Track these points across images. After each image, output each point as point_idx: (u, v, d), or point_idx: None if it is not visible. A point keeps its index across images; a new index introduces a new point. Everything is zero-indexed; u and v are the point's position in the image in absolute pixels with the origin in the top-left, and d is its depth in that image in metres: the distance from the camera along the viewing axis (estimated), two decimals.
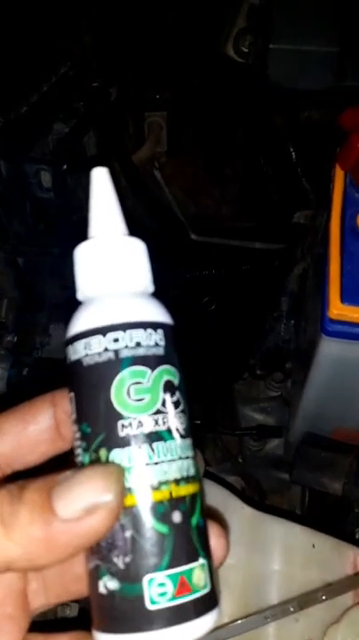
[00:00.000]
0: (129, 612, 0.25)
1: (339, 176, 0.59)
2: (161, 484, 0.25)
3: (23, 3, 0.78)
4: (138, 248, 0.30)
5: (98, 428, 0.26)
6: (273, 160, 0.85)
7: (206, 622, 0.26)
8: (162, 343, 0.27)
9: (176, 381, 0.27)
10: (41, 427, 0.30)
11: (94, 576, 0.26)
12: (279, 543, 0.56)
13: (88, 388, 0.27)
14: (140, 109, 0.90)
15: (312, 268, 0.73)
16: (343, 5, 0.72)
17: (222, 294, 0.88)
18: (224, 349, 0.86)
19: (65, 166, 0.71)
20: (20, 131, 0.71)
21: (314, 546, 0.56)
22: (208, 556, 0.27)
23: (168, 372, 0.27)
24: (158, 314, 0.28)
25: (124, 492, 0.25)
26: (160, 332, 0.27)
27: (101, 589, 0.25)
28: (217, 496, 0.58)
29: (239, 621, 0.52)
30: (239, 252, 0.91)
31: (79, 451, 0.27)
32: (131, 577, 0.25)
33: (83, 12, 0.84)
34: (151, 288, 0.30)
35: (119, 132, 0.88)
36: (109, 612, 0.25)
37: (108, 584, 0.25)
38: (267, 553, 0.56)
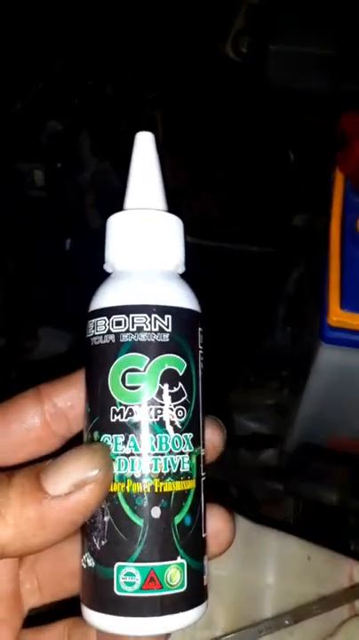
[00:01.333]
0: (100, 591, 0.25)
1: (339, 181, 0.58)
2: (143, 476, 0.25)
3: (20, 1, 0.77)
4: (170, 225, 0.28)
5: (95, 410, 0.26)
6: (270, 162, 0.84)
7: (173, 621, 0.25)
8: (168, 330, 0.26)
9: (181, 372, 0.26)
10: (26, 426, 0.29)
11: (82, 550, 0.27)
12: (274, 555, 0.55)
13: (92, 369, 0.27)
14: (135, 108, 0.89)
15: (309, 273, 0.72)
16: (343, 7, 0.71)
17: (217, 298, 0.86)
18: (218, 356, 0.85)
19: (59, 165, 0.69)
20: (14, 129, 0.70)
21: (309, 558, 0.55)
22: (193, 556, 0.26)
23: (171, 361, 0.26)
24: (174, 298, 0.27)
25: (112, 467, 0.25)
26: (168, 317, 0.26)
27: (83, 564, 0.26)
28: None
29: (233, 634, 0.51)
30: (234, 255, 0.90)
31: (83, 429, 0.27)
32: (104, 560, 0.25)
33: (83, 11, 0.83)
34: (181, 269, 0.29)
35: (112, 130, 0.87)
36: (87, 587, 0.26)
37: (88, 561, 0.26)
38: (262, 565, 0.55)
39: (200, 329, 0.27)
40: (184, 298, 0.27)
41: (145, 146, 0.29)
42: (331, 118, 0.61)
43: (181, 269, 0.29)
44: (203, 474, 0.27)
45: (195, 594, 0.26)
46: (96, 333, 0.26)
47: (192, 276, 0.87)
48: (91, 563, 0.26)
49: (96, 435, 0.26)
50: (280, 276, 0.79)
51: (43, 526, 0.23)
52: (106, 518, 0.25)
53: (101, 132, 0.80)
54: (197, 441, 0.26)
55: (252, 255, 0.87)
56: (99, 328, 0.26)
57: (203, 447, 0.27)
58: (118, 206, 0.29)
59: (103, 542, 0.25)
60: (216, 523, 0.28)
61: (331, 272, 0.53)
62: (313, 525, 0.69)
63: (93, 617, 0.25)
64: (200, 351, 0.27)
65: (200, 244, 0.90)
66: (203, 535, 0.27)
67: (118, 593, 0.25)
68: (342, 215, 0.56)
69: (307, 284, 0.72)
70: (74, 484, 0.24)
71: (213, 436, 0.29)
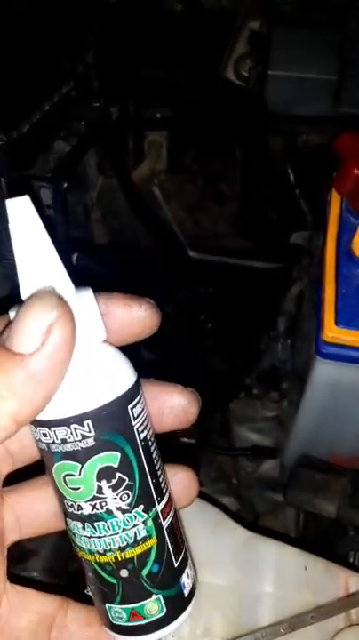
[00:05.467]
0: (102, 616, 0.31)
1: (335, 200, 0.60)
2: (105, 551, 0.28)
3: (26, 21, 0.79)
4: (81, 303, 0.26)
5: (57, 498, 0.29)
6: (271, 181, 0.86)
7: (163, 632, 0.30)
8: (91, 434, 0.26)
9: (117, 463, 0.27)
10: None
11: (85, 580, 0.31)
12: (271, 565, 0.56)
13: (45, 466, 0.29)
14: (141, 128, 0.91)
15: (308, 289, 0.73)
16: (340, 35, 0.73)
17: (219, 312, 0.88)
18: (220, 368, 0.86)
19: (65, 184, 0.71)
20: (22, 149, 0.72)
21: (306, 568, 0.56)
22: (167, 588, 0.30)
23: (102, 460, 0.27)
24: (90, 400, 0.26)
25: (64, 301, 0.25)
26: (87, 423, 0.26)
27: (88, 592, 0.31)
28: (210, 517, 0.58)
29: None
30: (237, 270, 0.91)
31: None
32: (97, 599, 0.30)
33: (87, 29, 0.85)
34: (103, 335, 0.27)
35: (119, 149, 0.89)
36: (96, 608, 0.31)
37: (90, 592, 0.31)
38: (260, 574, 0.56)
39: (131, 403, 0.27)
40: (102, 392, 0.26)
41: (22, 216, 0.24)
42: (329, 137, 0.63)
43: (103, 336, 0.27)
44: (165, 523, 0.29)
45: (176, 609, 0.30)
46: (35, 438, 0.28)
47: (196, 290, 0.88)
48: (91, 594, 0.31)
49: (66, 519, 0.29)
50: (281, 292, 0.81)
51: (39, 381, 0.24)
52: (89, 574, 0.30)
53: (108, 150, 0.82)
54: (151, 504, 0.29)
55: (255, 271, 0.89)
56: (35, 434, 0.27)
57: (162, 500, 0.29)
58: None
59: (93, 587, 0.30)
60: (183, 480, 0.32)
61: (326, 289, 0.55)
62: (312, 536, 0.70)
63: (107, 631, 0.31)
64: (136, 424, 0.27)
65: (204, 259, 0.92)
66: (176, 564, 0.30)
67: (113, 622, 0.30)
68: (338, 234, 0.58)
69: (305, 300, 0.73)
70: (42, 334, 0.24)
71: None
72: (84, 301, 0.26)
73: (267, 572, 0.56)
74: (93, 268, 0.79)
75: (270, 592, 0.55)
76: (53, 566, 0.55)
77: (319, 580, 0.55)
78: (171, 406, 0.31)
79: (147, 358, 0.86)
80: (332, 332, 0.53)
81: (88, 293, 0.27)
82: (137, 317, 0.29)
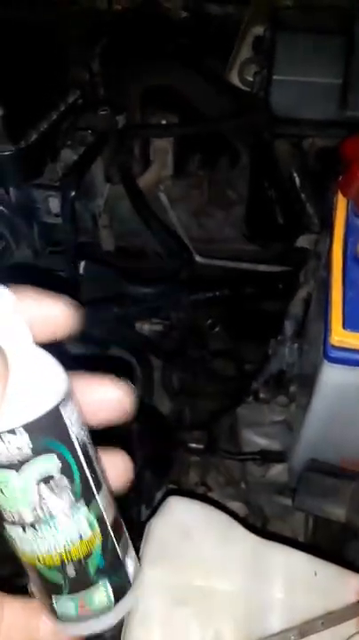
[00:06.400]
0: (48, 613, 0.31)
1: (341, 203, 0.60)
2: (50, 551, 0.28)
3: (34, 31, 0.80)
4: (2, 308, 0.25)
5: None
6: (277, 184, 0.86)
7: (108, 621, 0.31)
8: (27, 445, 0.26)
9: (56, 469, 0.27)
10: None
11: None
12: (281, 571, 0.56)
13: None
14: (146, 134, 0.92)
15: (315, 292, 0.73)
16: (345, 39, 0.74)
17: (226, 317, 0.88)
18: (227, 372, 0.86)
19: (73, 193, 0.72)
20: (30, 158, 0.72)
21: (316, 574, 0.56)
22: (112, 575, 0.30)
23: (41, 468, 0.26)
24: (25, 414, 0.26)
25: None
26: (22, 435, 0.26)
27: (30, 588, 0.31)
28: (219, 523, 0.57)
29: None
30: (243, 274, 0.91)
31: None
32: (41, 596, 0.30)
33: (94, 40, 0.86)
34: (29, 341, 0.26)
35: (125, 156, 0.89)
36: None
37: (32, 590, 0.31)
38: (270, 581, 0.55)
39: (65, 409, 0.27)
40: (34, 404, 0.26)
41: None
42: (334, 141, 0.63)
43: (30, 340, 0.26)
44: (106, 513, 0.29)
45: (123, 594, 0.31)
46: None
47: (203, 295, 0.88)
48: (35, 591, 0.30)
49: (4, 524, 0.28)
50: (288, 295, 0.80)
51: None
52: (33, 574, 0.29)
53: (114, 158, 0.83)
54: (92, 498, 0.28)
55: (262, 274, 0.89)
56: None
57: (101, 491, 0.29)
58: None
59: (38, 585, 0.30)
60: (118, 465, 0.32)
61: (333, 293, 0.55)
62: (322, 541, 0.69)
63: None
64: (72, 428, 0.27)
65: (211, 264, 0.93)
66: (119, 551, 0.30)
67: (60, 615, 0.30)
68: (344, 237, 0.58)
69: (313, 304, 0.73)
70: None
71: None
72: (5, 305, 0.25)
73: (276, 578, 0.55)
74: (101, 275, 0.80)
75: (280, 598, 0.55)
76: None
77: (329, 585, 0.55)
78: (106, 399, 0.30)
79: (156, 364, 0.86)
80: (339, 335, 0.53)
81: (7, 295, 0.25)
82: (49, 315, 0.27)
